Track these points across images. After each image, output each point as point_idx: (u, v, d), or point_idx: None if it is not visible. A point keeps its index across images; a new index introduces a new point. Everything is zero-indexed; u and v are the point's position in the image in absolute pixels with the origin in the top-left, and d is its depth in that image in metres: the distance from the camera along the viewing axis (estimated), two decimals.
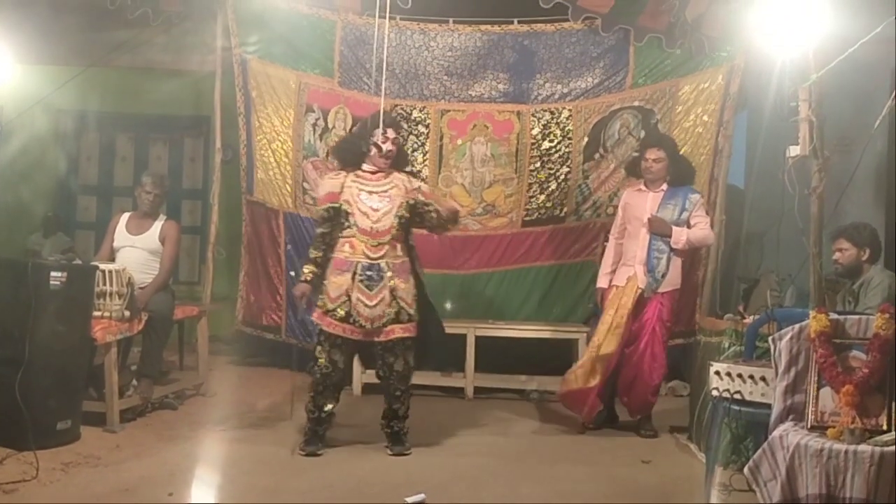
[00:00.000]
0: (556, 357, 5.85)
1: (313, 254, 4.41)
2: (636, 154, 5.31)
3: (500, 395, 5.83)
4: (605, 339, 4.85)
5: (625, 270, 4.95)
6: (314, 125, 6.22)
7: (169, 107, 7.49)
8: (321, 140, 6.19)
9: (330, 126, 6.19)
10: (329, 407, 4.41)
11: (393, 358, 4.38)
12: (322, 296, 4.36)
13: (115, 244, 5.20)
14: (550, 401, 5.71)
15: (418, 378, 5.20)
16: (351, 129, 6.08)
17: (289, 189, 6.27)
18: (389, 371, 4.40)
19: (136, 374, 5.01)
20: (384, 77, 5.19)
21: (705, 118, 6.00)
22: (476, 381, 5.82)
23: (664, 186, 4.94)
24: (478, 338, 5.81)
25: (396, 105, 6.17)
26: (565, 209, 6.17)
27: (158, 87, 7.29)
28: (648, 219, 4.86)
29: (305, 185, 6.22)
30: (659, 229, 4.85)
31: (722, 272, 6.06)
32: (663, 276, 4.85)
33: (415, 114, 6.23)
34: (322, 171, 6.10)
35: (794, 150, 3.75)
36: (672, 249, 4.86)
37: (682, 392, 5.87)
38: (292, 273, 6.11)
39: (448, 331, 5.62)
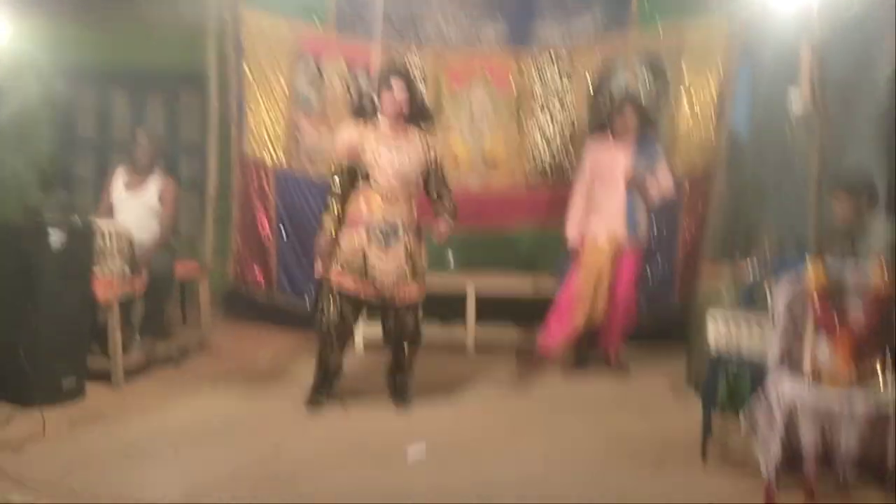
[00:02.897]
0: None
1: (334, 207, 4.30)
2: (600, 110, 5.45)
3: (502, 348, 5.86)
4: (593, 296, 5.06)
5: (602, 223, 5.08)
6: (308, 75, 6.09)
7: (163, 61, 7.38)
8: (316, 91, 6.09)
9: (324, 75, 6.08)
10: (337, 360, 4.43)
11: (405, 315, 4.39)
12: (335, 252, 4.32)
13: (113, 202, 5.21)
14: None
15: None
16: (346, 79, 6.02)
17: (282, 142, 6.15)
18: (402, 327, 4.41)
19: (140, 331, 5.05)
20: (380, 24, 5.12)
21: (713, 67, 5.90)
22: (477, 335, 5.86)
23: (632, 138, 5.08)
24: (479, 292, 5.82)
25: (392, 52, 6.05)
26: (572, 165, 5.94)
27: (152, 41, 7.18)
28: (628, 177, 5.02)
29: (300, 138, 6.10)
30: (637, 184, 5.03)
31: (724, 222, 6.04)
32: (641, 227, 5.10)
33: (412, 61, 6.10)
34: (317, 122, 6.05)
35: (796, 103, 3.72)
36: (646, 201, 5.12)
37: None
38: (283, 228, 6.09)
39: (449, 285, 5.73)
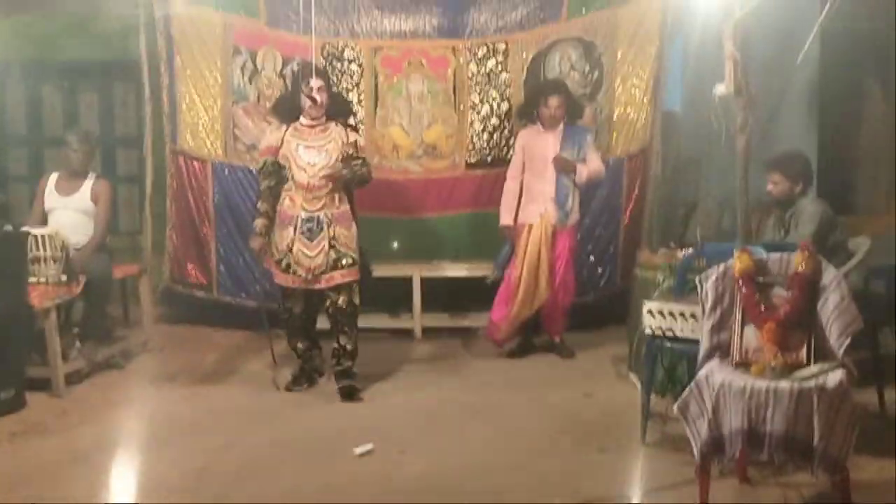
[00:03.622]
0: None
1: (262, 206, 4.58)
2: (529, 99, 5.55)
3: (448, 334, 5.91)
4: (534, 279, 5.20)
5: (534, 208, 5.28)
6: (242, 68, 5.98)
7: (95, 52, 7.20)
8: (251, 83, 5.98)
9: (259, 68, 5.98)
10: (301, 346, 4.69)
11: (336, 296, 4.52)
12: (272, 247, 4.56)
13: (46, 206, 5.10)
14: None
15: (367, 320, 5.29)
16: (281, 71, 5.96)
17: (218, 136, 6.04)
18: (335, 308, 4.54)
19: (80, 336, 4.97)
20: (313, 15, 5.08)
21: (646, 47, 5.96)
22: (424, 322, 5.91)
23: (561, 126, 5.27)
24: (424, 279, 5.87)
25: (327, 43, 5.98)
26: (511, 150, 5.88)
27: (83, 33, 7.00)
28: (554, 159, 5.20)
29: (237, 131, 6.01)
30: (564, 168, 5.22)
31: (661, 199, 6.15)
32: (571, 210, 5.27)
33: (347, 52, 6.04)
34: (253, 115, 5.97)
35: (720, 88, 3.80)
36: (575, 185, 5.27)
37: None
38: (223, 224, 6.02)
39: (393, 273, 5.76)
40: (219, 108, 6.04)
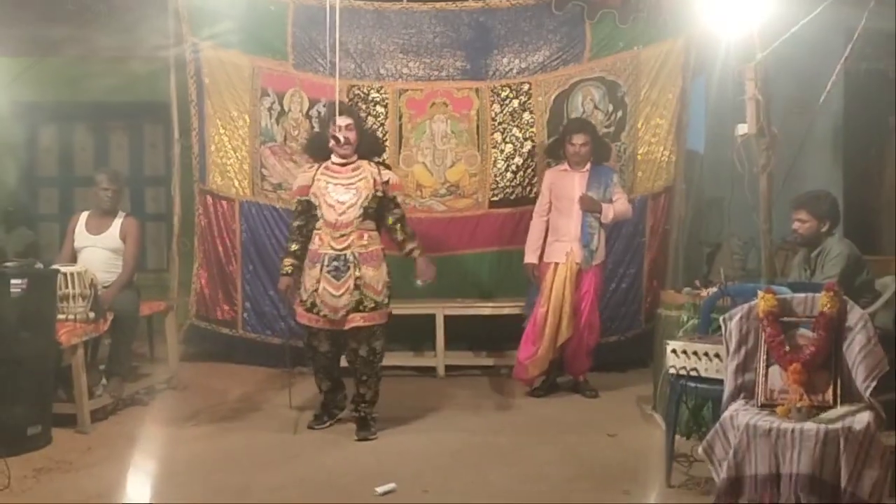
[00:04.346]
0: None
1: (292, 246, 4.61)
2: (556, 138, 5.61)
3: (471, 372, 5.91)
4: (558, 318, 5.19)
5: (560, 247, 5.28)
6: (270, 109, 6.12)
7: (125, 94, 7.37)
8: (278, 124, 6.11)
9: (286, 109, 6.11)
10: (326, 386, 4.66)
11: (357, 344, 4.48)
12: (300, 287, 4.55)
13: (76, 245, 5.18)
14: None
15: (390, 358, 5.29)
16: (307, 112, 6.08)
17: (246, 176, 6.15)
18: (355, 356, 4.52)
19: (105, 372, 5.02)
20: (339, 59, 5.18)
21: (669, 87, 6.02)
22: (447, 360, 5.91)
23: (588, 166, 5.28)
24: (447, 317, 5.88)
25: (353, 86, 6.11)
26: (534, 189, 6.01)
27: (113, 75, 7.17)
28: (580, 197, 5.21)
29: (264, 171, 6.13)
30: (590, 207, 5.22)
31: (686, 239, 6.16)
32: (596, 249, 5.24)
33: (372, 94, 6.16)
34: (280, 156, 6.09)
35: (742, 129, 3.81)
36: (601, 225, 5.27)
37: None
38: (250, 263, 6.10)
39: (417, 311, 5.78)
40: (247, 149, 6.16)
